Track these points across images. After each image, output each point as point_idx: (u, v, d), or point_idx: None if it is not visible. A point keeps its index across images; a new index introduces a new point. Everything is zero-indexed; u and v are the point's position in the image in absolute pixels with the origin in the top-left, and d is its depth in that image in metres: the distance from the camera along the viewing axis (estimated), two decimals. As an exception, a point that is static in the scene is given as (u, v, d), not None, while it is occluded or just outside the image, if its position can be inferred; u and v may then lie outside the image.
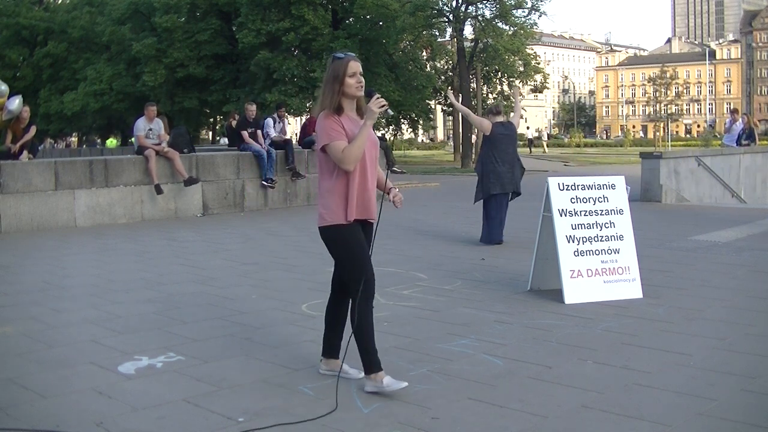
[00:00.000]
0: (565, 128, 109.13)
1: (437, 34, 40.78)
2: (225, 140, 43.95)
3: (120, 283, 7.14)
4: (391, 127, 42.58)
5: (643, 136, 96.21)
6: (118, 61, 43.88)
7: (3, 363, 4.63)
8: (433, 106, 46.46)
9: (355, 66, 3.92)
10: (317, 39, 36.43)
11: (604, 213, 6.44)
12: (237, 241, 10.12)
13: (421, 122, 42.18)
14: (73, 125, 51.21)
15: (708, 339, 4.98)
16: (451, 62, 44.32)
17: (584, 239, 6.28)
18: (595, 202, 6.44)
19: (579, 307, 5.90)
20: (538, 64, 42.23)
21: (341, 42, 35.10)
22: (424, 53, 43.84)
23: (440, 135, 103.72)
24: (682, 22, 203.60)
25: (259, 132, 14.41)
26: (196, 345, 4.97)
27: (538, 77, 43.07)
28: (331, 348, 4.26)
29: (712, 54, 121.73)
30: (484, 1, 35.56)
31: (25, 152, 12.15)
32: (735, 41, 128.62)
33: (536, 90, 45.50)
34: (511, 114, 10.25)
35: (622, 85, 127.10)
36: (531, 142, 54.97)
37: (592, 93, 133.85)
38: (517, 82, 39.87)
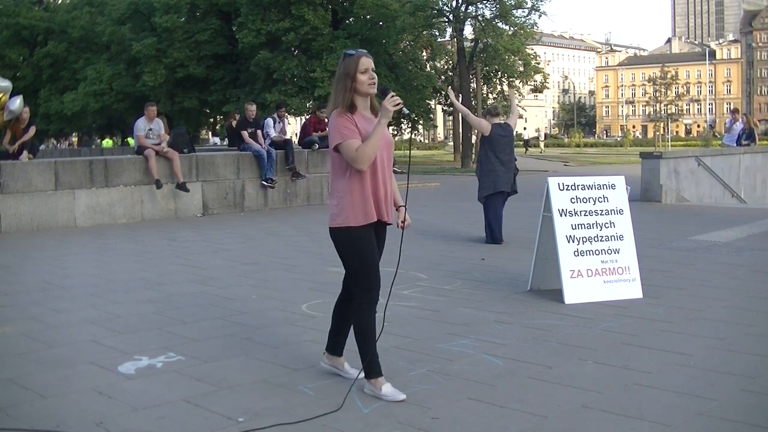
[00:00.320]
0: (565, 128, 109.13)
1: (437, 34, 40.77)
2: (216, 140, 44.01)
3: (120, 283, 7.14)
4: (390, 128, 42.53)
5: (642, 136, 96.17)
6: (118, 61, 43.88)
7: (3, 363, 4.63)
8: (433, 106, 46.43)
9: (367, 62, 3.83)
10: (317, 39, 36.42)
11: (604, 213, 6.44)
12: (237, 241, 10.12)
13: (421, 122, 42.15)
14: (73, 125, 51.23)
15: (708, 339, 4.98)
16: (451, 62, 44.30)
17: (584, 239, 6.28)
18: (595, 202, 6.45)
19: (579, 307, 5.90)
20: (538, 64, 42.19)
21: (341, 42, 35.07)
22: (424, 53, 43.80)
23: (440, 135, 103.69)
24: (682, 22, 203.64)
25: (259, 132, 14.41)
26: (196, 345, 4.97)
27: (538, 77, 43.03)
28: (335, 345, 4.24)
29: (712, 54, 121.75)
30: (484, 1, 35.58)
31: (25, 152, 12.14)
32: (735, 41, 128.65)
33: (536, 90, 45.45)
34: (509, 115, 10.28)
35: (622, 85, 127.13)
36: (527, 143, 54.96)
37: (592, 93, 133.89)
38: (517, 82, 39.87)
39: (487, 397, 3.90)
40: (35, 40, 49.84)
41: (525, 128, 56.51)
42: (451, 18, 36.29)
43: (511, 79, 40.02)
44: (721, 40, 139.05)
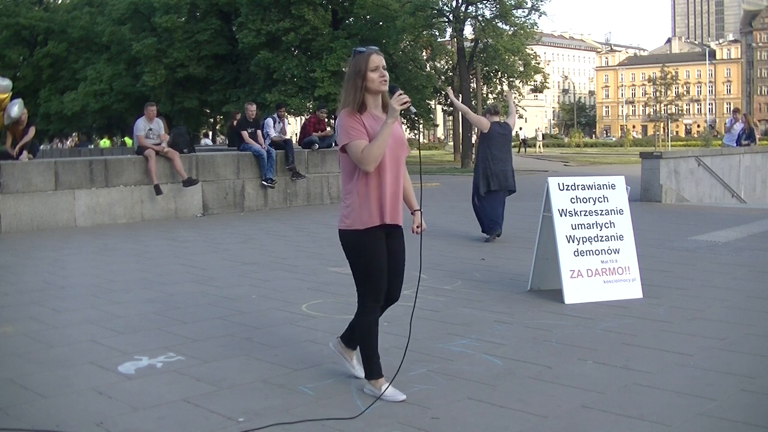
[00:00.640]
0: (565, 128, 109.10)
1: (437, 34, 40.72)
2: (208, 141, 43.93)
3: (120, 283, 7.14)
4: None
5: (642, 136, 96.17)
6: (118, 61, 43.85)
7: (3, 363, 4.63)
8: (433, 106, 46.43)
9: (378, 59, 3.74)
10: (317, 39, 36.42)
11: (604, 213, 6.44)
12: (237, 241, 10.12)
13: (421, 122, 42.14)
14: (73, 125, 51.19)
15: (708, 339, 4.98)
16: (451, 62, 44.29)
17: (584, 239, 6.28)
18: (595, 202, 6.45)
19: (579, 307, 5.90)
20: (538, 64, 42.16)
21: (341, 42, 35.08)
22: (424, 53, 43.79)
23: (441, 135, 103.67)
24: (682, 22, 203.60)
25: (259, 132, 14.42)
26: (196, 345, 4.97)
27: (538, 77, 42.97)
28: (351, 338, 4.17)
29: (712, 54, 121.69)
30: (484, 1, 35.55)
31: (24, 152, 12.13)
32: (735, 41, 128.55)
33: (536, 90, 45.42)
34: (508, 116, 10.32)
35: (622, 85, 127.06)
36: (524, 143, 54.90)
37: (592, 93, 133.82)
38: (517, 82, 39.85)
39: (487, 397, 3.90)
40: (35, 40, 49.85)
41: (521, 128, 56.36)
42: (451, 18, 36.28)
43: (511, 79, 40.00)
44: (721, 40, 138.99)
